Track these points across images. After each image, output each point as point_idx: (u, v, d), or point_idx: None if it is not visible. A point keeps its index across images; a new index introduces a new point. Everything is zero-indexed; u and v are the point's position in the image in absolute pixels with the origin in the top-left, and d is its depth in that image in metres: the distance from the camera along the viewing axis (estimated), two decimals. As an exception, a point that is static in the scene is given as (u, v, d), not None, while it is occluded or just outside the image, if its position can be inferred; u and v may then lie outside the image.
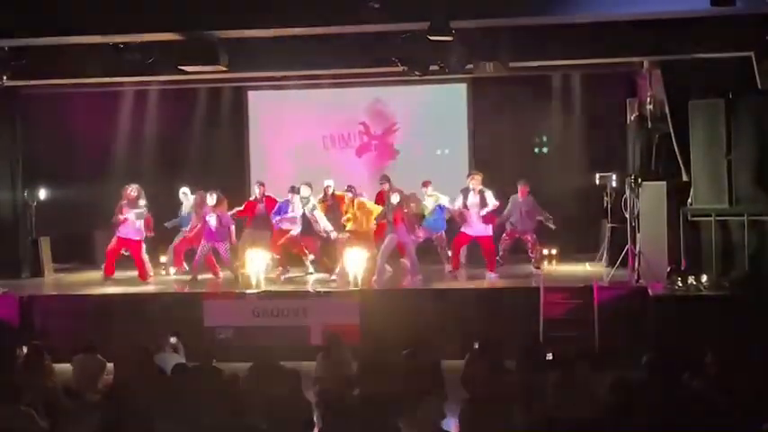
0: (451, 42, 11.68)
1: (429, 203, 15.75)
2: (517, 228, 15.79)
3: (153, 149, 18.56)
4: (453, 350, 10.92)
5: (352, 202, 15.24)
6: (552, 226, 15.63)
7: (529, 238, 15.85)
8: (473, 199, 15.18)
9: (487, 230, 15.36)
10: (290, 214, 15.66)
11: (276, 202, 16.01)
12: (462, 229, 15.51)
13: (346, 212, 15.29)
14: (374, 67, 14.86)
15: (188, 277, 15.71)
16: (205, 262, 15.76)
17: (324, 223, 15.50)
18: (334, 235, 15.46)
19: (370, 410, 8.14)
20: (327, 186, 16.11)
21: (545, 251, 15.89)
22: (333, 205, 15.88)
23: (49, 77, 15.26)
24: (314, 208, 15.54)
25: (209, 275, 15.95)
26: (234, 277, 15.54)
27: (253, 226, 16.13)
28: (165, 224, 16.51)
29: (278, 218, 15.76)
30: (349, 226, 15.22)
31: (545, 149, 18.49)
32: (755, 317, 12.08)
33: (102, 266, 15.99)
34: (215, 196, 15.49)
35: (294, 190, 15.64)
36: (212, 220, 15.36)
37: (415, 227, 15.27)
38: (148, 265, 15.89)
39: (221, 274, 15.99)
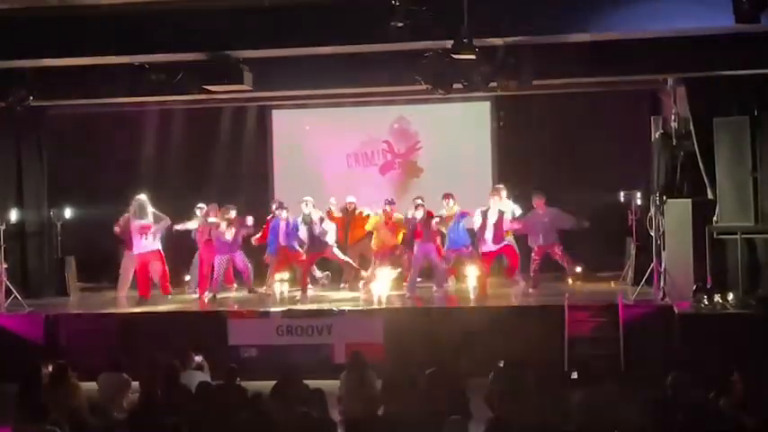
0: (475, 60, 11.68)
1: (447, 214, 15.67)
2: (543, 244, 15.74)
3: (177, 169, 18.62)
4: (478, 368, 10.86)
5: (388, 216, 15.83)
6: (586, 223, 15.53)
7: (557, 250, 15.76)
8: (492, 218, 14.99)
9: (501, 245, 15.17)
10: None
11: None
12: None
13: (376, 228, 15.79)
14: (397, 86, 14.90)
15: (209, 295, 15.75)
16: (224, 277, 15.98)
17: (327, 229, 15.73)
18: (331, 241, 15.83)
19: (395, 429, 8.14)
20: (350, 203, 16.51)
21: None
22: (347, 221, 16.38)
23: (74, 97, 15.39)
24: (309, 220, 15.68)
25: (227, 294, 16.23)
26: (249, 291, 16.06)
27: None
28: (176, 227, 16.40)
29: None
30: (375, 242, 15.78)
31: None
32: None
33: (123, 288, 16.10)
34: (234, 211, 15.86)
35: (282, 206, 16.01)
36: (229, 234, 15.63)
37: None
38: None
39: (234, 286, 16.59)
